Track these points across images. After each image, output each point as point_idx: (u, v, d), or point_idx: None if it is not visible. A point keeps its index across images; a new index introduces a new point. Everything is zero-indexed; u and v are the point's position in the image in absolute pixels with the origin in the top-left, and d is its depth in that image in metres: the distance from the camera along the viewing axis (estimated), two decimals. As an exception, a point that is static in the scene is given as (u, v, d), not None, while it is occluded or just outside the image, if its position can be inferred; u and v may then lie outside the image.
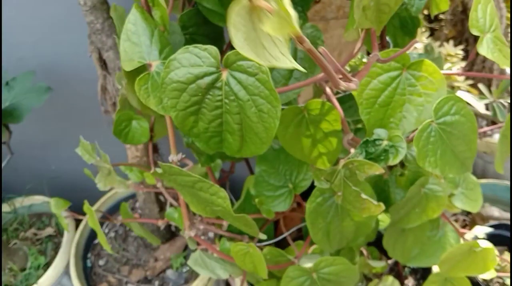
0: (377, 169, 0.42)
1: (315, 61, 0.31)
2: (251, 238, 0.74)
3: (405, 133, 0.46)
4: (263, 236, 0.52)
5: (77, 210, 0.85)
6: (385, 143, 0.44)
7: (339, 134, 0.53)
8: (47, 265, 1.17)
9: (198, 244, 0.72)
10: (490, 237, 1.08)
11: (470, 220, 1.17)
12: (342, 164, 0.44)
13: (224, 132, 0.43)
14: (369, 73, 0.45)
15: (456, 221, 1.21)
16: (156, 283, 1.17)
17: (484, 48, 0.46)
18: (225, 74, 0.39)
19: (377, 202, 0.62)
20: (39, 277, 1.13)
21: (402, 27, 0.68)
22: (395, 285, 0.92)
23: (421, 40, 0.99)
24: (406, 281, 1.05)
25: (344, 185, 0.46)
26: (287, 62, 0.20)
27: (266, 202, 0.68)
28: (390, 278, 0.93)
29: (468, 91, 0.93)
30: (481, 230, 0.86)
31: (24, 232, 1.28)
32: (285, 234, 0.73)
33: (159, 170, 0.44)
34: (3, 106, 0.94)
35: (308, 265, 0.67)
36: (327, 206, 0.62)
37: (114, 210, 1.32)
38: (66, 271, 1.16)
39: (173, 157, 0.53)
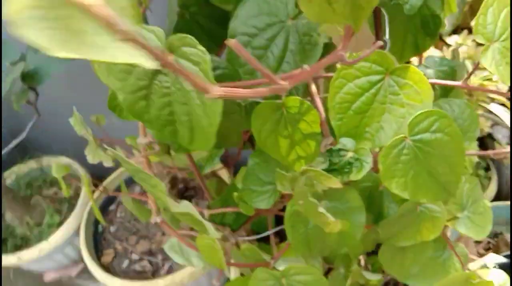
0: (334, 183, 0.38)
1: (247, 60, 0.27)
2: (234, 230, 0.71)
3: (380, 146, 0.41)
4: (216, 235, 0.49)
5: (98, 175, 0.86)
6: (350, 154, 0.39)
7: (318, 137, 0.49)
8: (61, 224, 1.22)
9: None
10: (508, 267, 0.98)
11: (495, 243, 1.07)
12: (300, 171, 0.40)
13: (176, 122, 0.41)
14: (344, 75, 0.40)
15: (478, 242, 1.12)
16: (159, 256, 1.19)
17: (487, 59, 0.39)
18: (172, 58, 0.36)
19: (367, 214, 0.57)
20: (51, 234, 1.18)
21: (424, 27, 0.61)
22: (391, 301, 0.87)
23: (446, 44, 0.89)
24: (408, 298, 0.98)
25: (304, 194, 0.42)
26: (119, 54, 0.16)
27: (250, 197, 0.65)
28: (386, 293, 0.87)
29: (503, 104, 0.83)
30: (493, 259, 0.78)
31: (46, 189, 1.34)
32: (269, 232, 0.70)
33: (109, 153, 0.42)
34: (27, 70, 0.97)
35: (282, 268, 0.64)
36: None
37: (132, 180, 1.34)
38: (78, 233, 1.21)
39: (141, 140, 0.51)
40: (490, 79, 0.83)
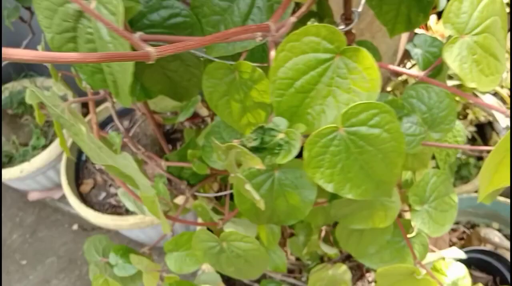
0: (257, 163, 0.35)
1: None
2: (191, 186, 0.70)
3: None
4: (149, 191, 0.48)
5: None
6: (280, 135, 0.36)
7: (267, 108, 0.46)
8: (46, 147, 1.23)
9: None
10: (478, 262, 0.97)
11: (467, 236, 1.05)
12: (227, 145, 0.37)
13: (104, 71, 0.38)
14: (290, 48, 0.36)
15: (454, 230, 1.10)
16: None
17: (451, 55, 0.35)
18: (93, 4, 0.33)
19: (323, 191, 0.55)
20: (34, 156, 1.19)
21: (418, 1, 0.56)
22: (346, 276, 0.87)
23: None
24: (367, 274, 0.98)
25: (233, 168, 0.40)
26: None
27: (208, 155, 0.63)
28: (343, 267, 0.87)
29: (502, 98, 0.76)
30: (452, 254, 0.76)
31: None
32: (225, 192, 0.69)
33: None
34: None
35: (230, 230, 0.63)
36: (263, 178, 0.55)
37: (125, 112, 1.33)
38: (61, 159, 1.22)
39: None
40: None
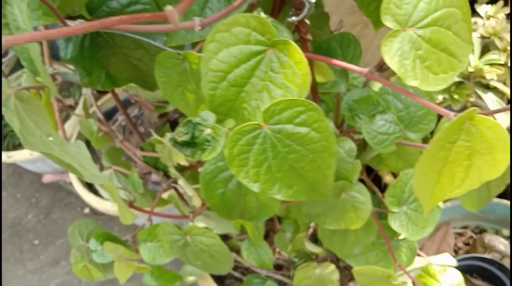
0: (180, 159, 0.34)
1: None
2: (168, 177, 0.70)
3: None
4: (96, 180, 0.47)
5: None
6: (208, 130, 0.34)
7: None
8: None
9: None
10: (480, 270, 0.92)
11: (472, 242, 1.00)
12: (156, 139, 0.36)
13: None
14: (219, 39, 0.34)
15: (461, 234, 1.05)
16: (140, 181, 1.21)
17: (391, 50, 0.32)
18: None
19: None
20: (44, 139, 1.23)
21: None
22: (334, 276, 0.84)
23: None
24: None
25: (170, 162, 0.39)
26: None
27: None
28: (331, 267, 0.84)
29: (502, 92, 0.69)
30: (439, 260, 0.72)
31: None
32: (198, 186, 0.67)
33: None
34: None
35: (201, 225, 0.63)
36: (230, 173, 0.54)
37: (128, 102, 1.34)
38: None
39: (48, 70, 0.48)
40: (495, 65, 0.70)
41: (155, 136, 0.37)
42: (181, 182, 0.38)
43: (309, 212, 0.59)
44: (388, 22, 0.32)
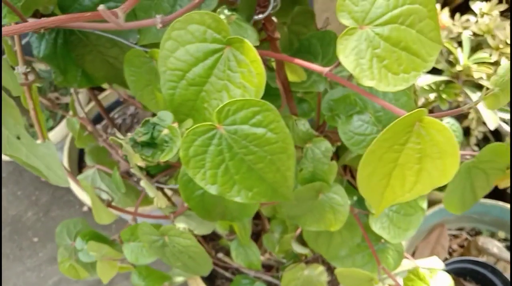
0: (136, 160, 0.34)
1: None
2: (151, 176, 0.69)
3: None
4: (64, 183, 0.47)
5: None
6: (165, 131, 0.34)
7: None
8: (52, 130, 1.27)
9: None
10: (473, 273, 0.90)
11: (467, 245, 0.98)
12: (114, 138, 0.36)
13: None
14: (176, 37, 0.33)
15: (456, 237, 1.03)
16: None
17: (346, 48, 0.31)
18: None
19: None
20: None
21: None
22: (322, 278, 0.83)
23: None
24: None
25: (132, 161, 0.38)
26: None
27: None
28: (320, 268, 0.83)
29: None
30: (425, 263, 0.71)
31: (50, 93, 1.39)
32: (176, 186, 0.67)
33: None
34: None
35: (182, 225, 0.62)
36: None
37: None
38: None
39: (20, 68, 0.48)
40: (484, 63, 0.68)
41: (114, 137, 0.37)
42: (143, 182, 0.38)
43: (289, 213, 0.58)
44: (344, 19, 0.31)
